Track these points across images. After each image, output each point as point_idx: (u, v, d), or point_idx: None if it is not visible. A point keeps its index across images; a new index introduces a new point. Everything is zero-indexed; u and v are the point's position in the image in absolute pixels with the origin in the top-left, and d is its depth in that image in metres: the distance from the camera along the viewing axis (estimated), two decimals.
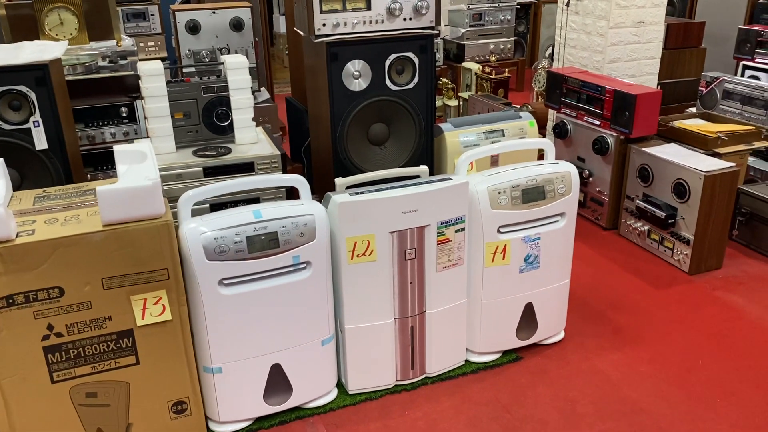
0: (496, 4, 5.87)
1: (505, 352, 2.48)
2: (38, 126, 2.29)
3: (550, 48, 4.80)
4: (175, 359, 1.94)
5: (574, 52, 4.05)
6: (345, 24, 2.54)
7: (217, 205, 2.39)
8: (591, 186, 3.56)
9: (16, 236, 1.70)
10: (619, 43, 3.81)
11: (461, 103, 4.92)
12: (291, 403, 2.18)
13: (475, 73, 5.03)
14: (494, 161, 2.83)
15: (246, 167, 2.44)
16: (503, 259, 2.30)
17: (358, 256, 2.09)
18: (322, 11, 2.50)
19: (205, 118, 2.53)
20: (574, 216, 2.38)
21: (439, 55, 5.76)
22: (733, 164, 3.01)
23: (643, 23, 3.83)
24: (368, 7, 2.56)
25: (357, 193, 2.09)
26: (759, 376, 2.37)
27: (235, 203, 2.39)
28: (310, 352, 2.14)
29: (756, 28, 4.36)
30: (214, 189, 1.98)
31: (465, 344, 2.41)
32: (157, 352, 1.91)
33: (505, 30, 5.97)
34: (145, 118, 2.46)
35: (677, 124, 3.53)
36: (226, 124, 2.55)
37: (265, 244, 1.94)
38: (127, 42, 3.27)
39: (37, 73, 2.26)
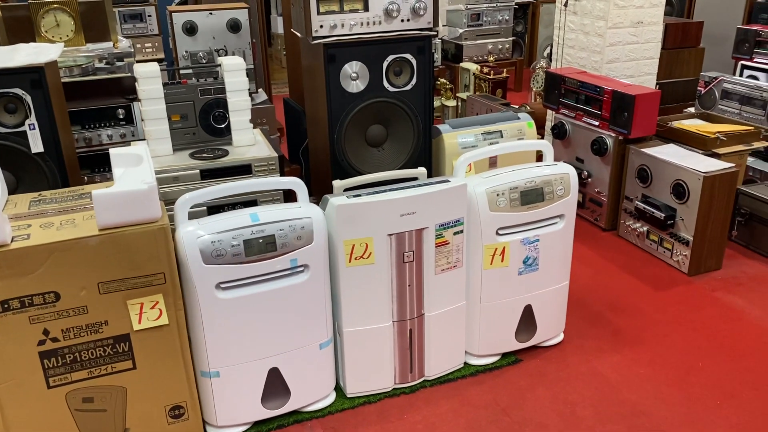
0: (494, 4, 5.86)
1: (504, 355, 2.47)
2: (34, 129, 2.28)
3: (549, 48, 4.80)
4: (172, 363, 1.93)
5: (572, 52, 4.04)
6: (342, 25, 2.53)
7: (215, 208, 2.38)
8: (590, 187, 3.55)
9: (12, 241, 1.69)
10: (617, 44, 3.80)
11: (459, 103, 4.91)
12: (289, 407, 2.17)
13: (474, 74, 5.02)
14: (492, 162, 2.82)
15: (243, 169, 2.43)
16: (502, 261, 2.29)
17: (356, 259, 2.08)
18: (319, 12, 2.49)
19: (202, 121, 2.52)
20: (573, 218, 2.37)
21: (437, 56, 5.75)
22: (732, 165, 3.00)
23: (641, 23, 3.82)
24: (366, 9, 2.55)
25: (355, 196, 2.07)
26: (759, 377, 2.36)
27: (233, 206, 2.38)
28: (308, 355, 2.13)
29: (754, 27, 4.36)
30: (211, 192, 1.96)
31: (464, 347, 2.40)
32: (154, 356, 1.90)
33: (503, 30, 5.96)
34: (142, 120, 2.45)
35: (676, 124, 3.53)
36: (223, 126, 2.54)
37: (262, 247, 1.93)
38: (124, 43, 3.25)
39: (33, 76, 2.25)
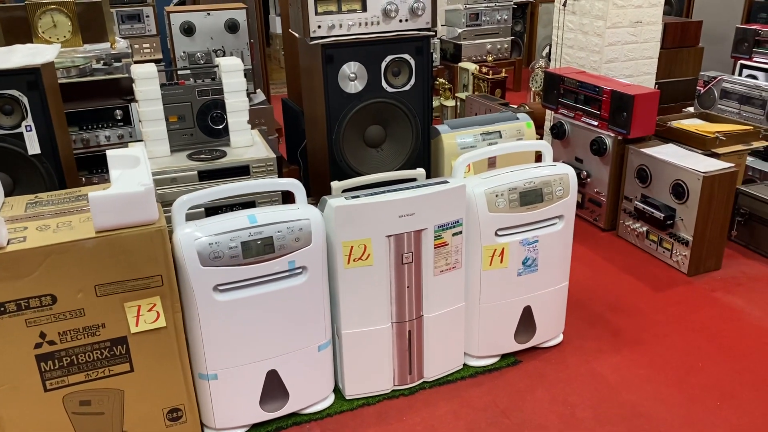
0: (493, 4, 5.85)
1: (504, 356, 2.47)
2: (30, 130, 2.27)
3: (547, 47, 4.79)
4: (169, 366, 1.92)
5: (571, 52, 4.04)
6: (340, 26, 2.52)
7: (213, 209, 2.37)
8: (589, 187, 3.54)
9: (8, 243, 1.68)
10: (616, 43, 3.79)
11: (458, 103, 4.90)
12: (287, 409, 2.16)
13: (472, 74, 5.01)
14: (491, 163, 2.81)
15: (241, 170, 2.42)
16: (501, 262, 2.28)
17: (354, 260, 2.07)
18: (317, 13, 2.48)
19: (199, 122, 2.51)
20: (573, 218, 2.37)
21: (436, 55, 5.75)
22: (732, 165, 2.99)
23: (640, 23, 3.81)
24: (364, 9, 2.54)
25: (353, 197, 2.07)
26: (759, 378, 2.35)
27: (231, 207, 2.37)
28: (307, 357, 2.12)
29: (753, 27, 4.35)
30: (208, 194, 1.95)
31: (463, 348, 2.39)
32: (152, 359, 1.89)
33: (502, 30, 5.95)
34: (140, 121, 2.44)
35: (675, 124, 3.52)
36: (221, 127, 2.53)
37: (260, 249, 1.92)
38: (122, 44, 3.24)
39: (29, 77, 2.23)
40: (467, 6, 5.73)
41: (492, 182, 2.22)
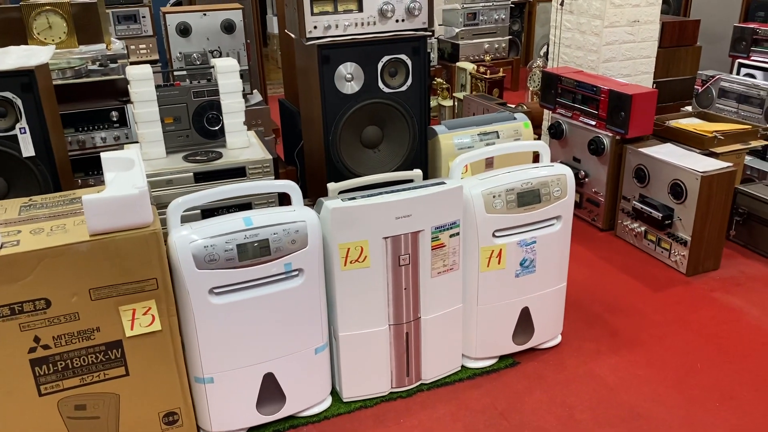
0: (490, 3, 5.84)
1: (502, 358, 2.46)
2: (24, 133, 2.25)
3: (545, 47, 4.78)
4: (165, 370, 1.91)
5: (568, 51, 4.03)
6: (336, 26, 2.51)
7: (209, 211, 2.36)
8: (587, 187, 3.53)
9: (1, 247, 1.67)
10: (614, 42, 3.78)
11: (456, 103, 4.89)
12: (284, 412, 2.14)
13: (470, 73, 5.00)
14: (489, 163, 2.80)
15: (237, 172, 2.40)
16: (499, 263, 2.27)
17: (351, 262, 2.06)
18: (313, 13, 2.47)
19: (195, 123, 2.50)
20: (570, 219, 2.36)
21: (434, 55, 5.74)
22: (730, 164, 2.98)
23: (638, 22, 3.80)
24: (360, 9, 2.53)
25: (350, 198, 2.05)
26: (758, 378, 2.34)
27: (227, 208, 2.36)
28: (304, 360, 2.11)
29: (751, 25, 4.34)
30: (204, 196, 1.94)
31: (461, 350, 2.38)
32: (147, 362, 1.88)
33: (500, 29, 5.95)
34: (135, 122, 2.42)
35: (673, 123, 3.51)
36: (217, 128, 2.52)
37: (256, 251, 1.90)
38: (117, 45, 3.23)
39: (23, 79, 2.22)
40: (464, 5, 5.72)
41: (489, 183, 2.21)
